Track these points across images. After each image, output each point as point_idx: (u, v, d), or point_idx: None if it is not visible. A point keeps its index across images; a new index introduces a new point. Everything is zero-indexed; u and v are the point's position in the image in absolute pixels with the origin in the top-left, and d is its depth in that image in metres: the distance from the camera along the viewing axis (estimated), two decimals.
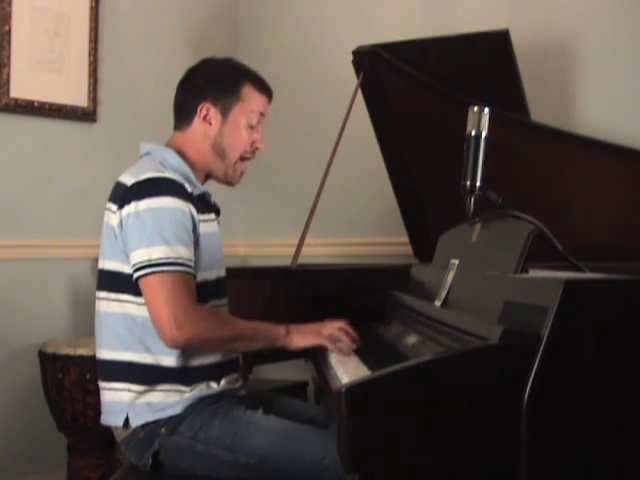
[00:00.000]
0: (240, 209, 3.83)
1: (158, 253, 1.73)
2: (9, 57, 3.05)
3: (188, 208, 1.80)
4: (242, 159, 1.97)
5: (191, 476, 1.77)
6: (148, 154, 1.92)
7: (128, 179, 1.81)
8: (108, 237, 1.83)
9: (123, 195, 1.80)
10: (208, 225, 1.89)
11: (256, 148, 1.98)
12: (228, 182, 2.00)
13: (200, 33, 3.79)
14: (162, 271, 1.73)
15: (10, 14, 3.04)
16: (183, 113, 1.96)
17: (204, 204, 1.90)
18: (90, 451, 2.89)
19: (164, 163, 1.86)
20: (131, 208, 1.77)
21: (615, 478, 1.24)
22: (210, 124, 1.93)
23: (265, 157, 2.04)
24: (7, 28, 3.04)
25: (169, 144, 1.95)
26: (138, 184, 1.79)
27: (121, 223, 1.79)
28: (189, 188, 1.83)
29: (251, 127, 1.96)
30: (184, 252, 1.76)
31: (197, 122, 1.94)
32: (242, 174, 2.00)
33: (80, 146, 3.32)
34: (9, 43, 3.04)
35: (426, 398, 1.22)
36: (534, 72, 2.92)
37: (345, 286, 2.54)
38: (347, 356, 1.84)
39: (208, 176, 1.99)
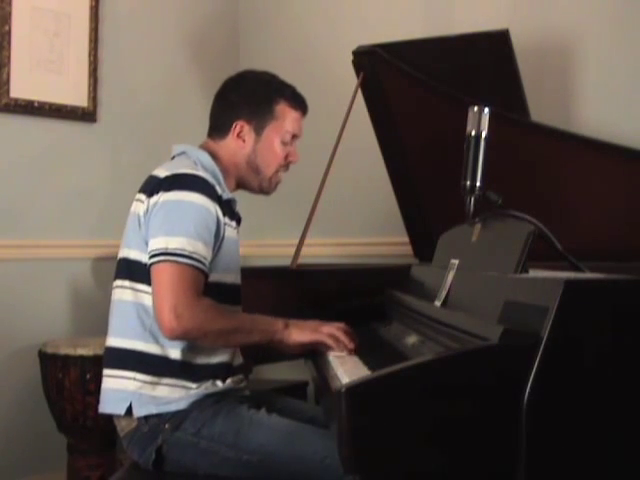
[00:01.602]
0: (240, 209, 3.82)
1: (175, 243, 1.75)
2: (9, 57, 3.04)
3: (214, 208, 1.83)
4: (276, 172, 2.01)
5: (192, 473, 1.78)
6: (183, 153, 1.95)
7: (162, 172, 1.85)
8: (133, 226, 1.86)
9: (154, 185, 1.83)
10: (230, 230, 1.92)
11: (290, 162, 2.01)
12: (263, 192, 2.05)
13: (200, 33, 3.79)
14: (175, 261, 1.74)
15: (10, 14, 3.04)
16: (217, 126, 2.00)
17: (229, 210, 1.92)
18: (90, 451, 2.89)
19: (197, 162, 1.90)
20: (159, 197, 1.80)
21: (615, 478, 1.24)
22: (244, 141, 1.97)
23: None
24: (7, 28, 3.04)
25: (203, 147, 1.98)
26: (171, 177, 1.82)
27: (147, 210, 1.82)
28: (219, 190, 1.86)
29: (284, 143, 1.98)
30: (201, 248, 1.77)
31: (231, 138, 1.97)
32: (277, 184, 2.05)
33: (80, 146, 3.31)
34: (9, 43, 3.04)
35: (426, 398, 1.22)
36: (534, 72, 2.91)
37: (345, 286, 2.54)
38: (345, 355, 1.84)
39: (239, 186, 2.03)
